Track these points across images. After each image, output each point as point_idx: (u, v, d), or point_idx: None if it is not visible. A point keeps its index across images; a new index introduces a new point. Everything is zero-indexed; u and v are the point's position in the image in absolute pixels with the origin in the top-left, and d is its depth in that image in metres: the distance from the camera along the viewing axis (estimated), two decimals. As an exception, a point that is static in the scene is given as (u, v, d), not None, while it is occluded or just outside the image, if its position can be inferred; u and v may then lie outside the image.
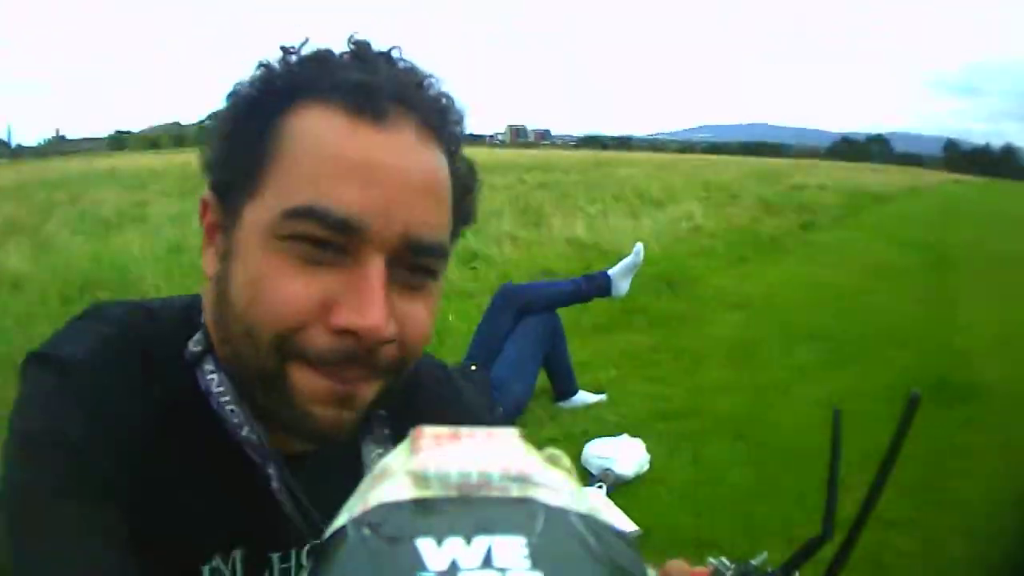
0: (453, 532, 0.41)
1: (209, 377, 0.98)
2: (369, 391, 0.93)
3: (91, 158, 72.48)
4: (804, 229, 17.29)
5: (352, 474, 0.83)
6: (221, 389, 0.97)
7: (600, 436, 5.14)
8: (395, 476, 0.47)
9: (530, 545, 0.41)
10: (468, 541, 0.41)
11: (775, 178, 31.53)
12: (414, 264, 0.92)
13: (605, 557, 0.43)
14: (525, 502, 0.45)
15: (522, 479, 0.47)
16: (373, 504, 0.45)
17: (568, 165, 33.54)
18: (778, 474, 4.89)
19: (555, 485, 0.48)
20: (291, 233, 0.87)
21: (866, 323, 8.75)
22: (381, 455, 1.05)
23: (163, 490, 0.94)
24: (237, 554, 1.03)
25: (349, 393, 0.91)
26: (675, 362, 7.07)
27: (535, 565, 0.40)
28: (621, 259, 6.02)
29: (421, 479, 0.46)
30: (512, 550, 0.40)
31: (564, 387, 5.79)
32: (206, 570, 0.99)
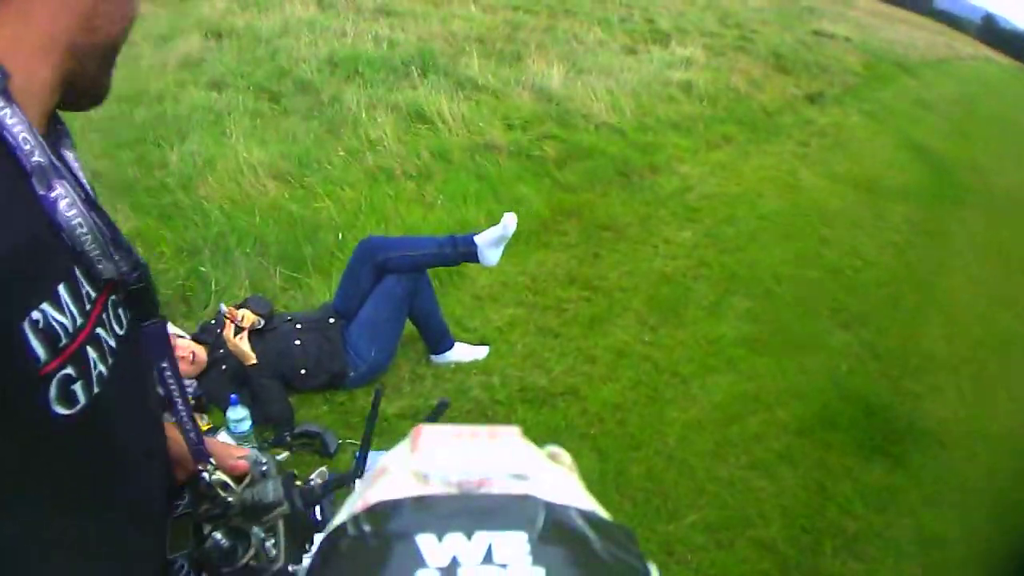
0: (454, 528, 0.44)
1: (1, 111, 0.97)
2: None
3: None
4: (811, 102, 15.52)
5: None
6: (14, 120, 0.99)
7: (456, 416, 4.80)
8: (395, 474, 0.50)
9: (531, 541, 0.43)
10: (469, 537, 0.43)
11: (801, 17, 29.22)
12: None
13: (606, 553, 0.45)
14: (526, 499, 0.47)
15: (523, 476, 0.49)
16: (373, 501, 0.47)
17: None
18: (640, 528, 4.14)
19: (556, 482, 0.51)
20: None
21: (824, 281, 7.42)
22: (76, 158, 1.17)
23: None
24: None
25: None
26: (583, 304, 6.22)
27: (536, 561, 0.42)
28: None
29: (421, 476, 0.49)
30: (513, 546, 0.43)
31: (434, 344, 5.41)
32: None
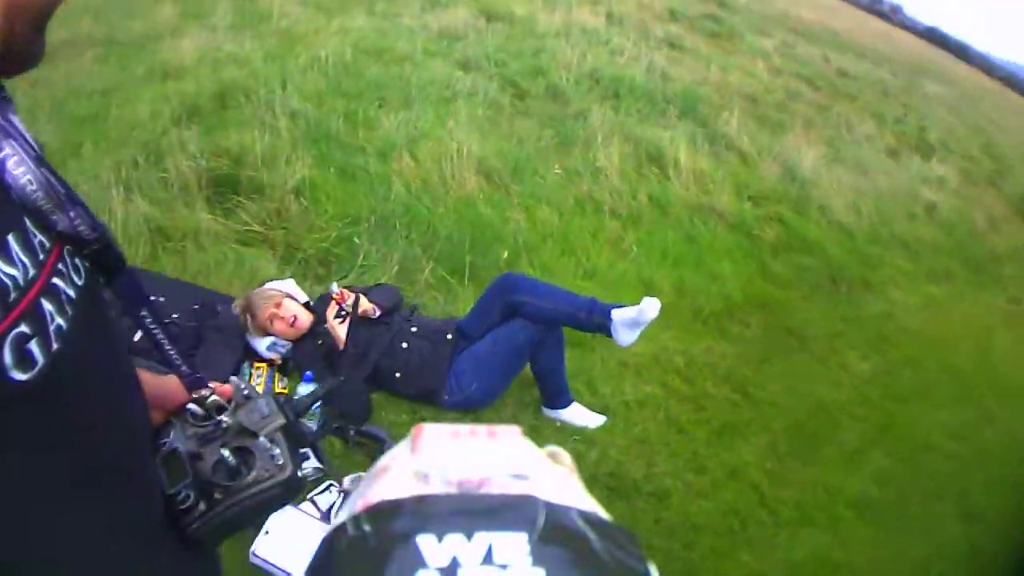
0: (454, 529, 0.42)
1: None
2: None
3: None
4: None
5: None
6: None
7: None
8: (396, 473, 0.49)
9: (531, 542, 0.42)
10: (469, 538, 0.42)
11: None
12: None
13: (606, 554, 0.43)
14: (526, 499, 0.46)
15: (523, 476, 0.48)
16: (374, 501, 0.46)
17: (888, 55, 29.76)
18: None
19: (556, 482, 0.50)
20: None
21: (970, 463, 6.41)
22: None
23: None
24: None
25: None
26: (726, 408, 5.71)
27: (536, 562, 0.41)
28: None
29: (422, 476, 0.48)
30: (513, 547, 0.41)
31: (549, 398, 5.06)
32: None
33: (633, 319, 4.58)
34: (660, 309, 4.57)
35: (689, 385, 5.80)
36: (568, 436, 4.87)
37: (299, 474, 1.37)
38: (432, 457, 0.49)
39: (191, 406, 1.39)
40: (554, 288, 5.00)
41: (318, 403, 4.37)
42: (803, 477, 5.37)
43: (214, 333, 4.85)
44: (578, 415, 5.05)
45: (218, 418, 1.37)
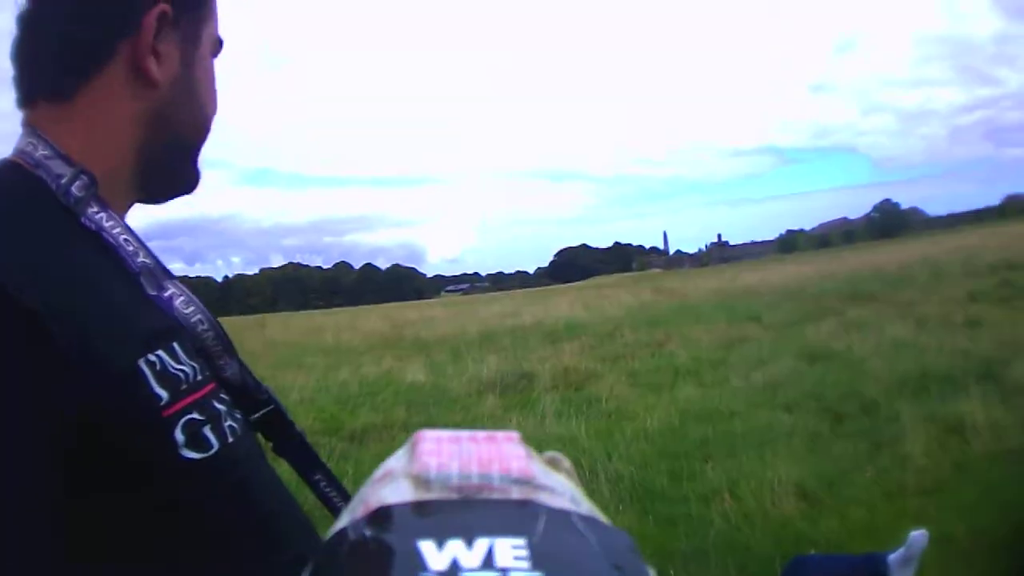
0: (454, 534, 0.36)
1: (97, 215, 0.88)
2: None
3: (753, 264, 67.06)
4: None
5: None
6: (112, 223, 0.89)
7: None
8: (395, 478, 0.42)
9: (531, 546, 0.36)
10: (469, 543, 0.36)
11: None
12: None
13: (607, 559, 0.37)
14: (526, 504, 0.40)
15: (523, 481, 0.42)
16: (374, 506, 0.39)
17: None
18: None
19: (556, 487, 0.43)
20: (215, 51, 1.06)
21: None
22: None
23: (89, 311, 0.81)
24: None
25: None
26: None
27: (536, 566, 0.34)
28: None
29: (422, 481, 0.41)
30: (513, 551, 0.35)
31: None
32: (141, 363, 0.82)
33: (904, 555, 3.99)
34: (929, 538, 3.96)
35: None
36: None
37: None
38: (432, 462, 0.42)
39: None
40: (837, 556, 3.98)
41: None
42: None
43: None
44: None
45: None
